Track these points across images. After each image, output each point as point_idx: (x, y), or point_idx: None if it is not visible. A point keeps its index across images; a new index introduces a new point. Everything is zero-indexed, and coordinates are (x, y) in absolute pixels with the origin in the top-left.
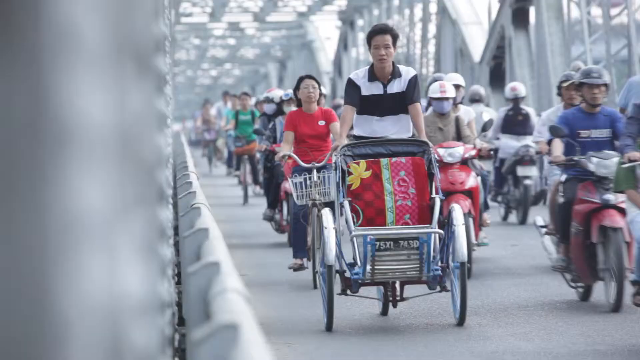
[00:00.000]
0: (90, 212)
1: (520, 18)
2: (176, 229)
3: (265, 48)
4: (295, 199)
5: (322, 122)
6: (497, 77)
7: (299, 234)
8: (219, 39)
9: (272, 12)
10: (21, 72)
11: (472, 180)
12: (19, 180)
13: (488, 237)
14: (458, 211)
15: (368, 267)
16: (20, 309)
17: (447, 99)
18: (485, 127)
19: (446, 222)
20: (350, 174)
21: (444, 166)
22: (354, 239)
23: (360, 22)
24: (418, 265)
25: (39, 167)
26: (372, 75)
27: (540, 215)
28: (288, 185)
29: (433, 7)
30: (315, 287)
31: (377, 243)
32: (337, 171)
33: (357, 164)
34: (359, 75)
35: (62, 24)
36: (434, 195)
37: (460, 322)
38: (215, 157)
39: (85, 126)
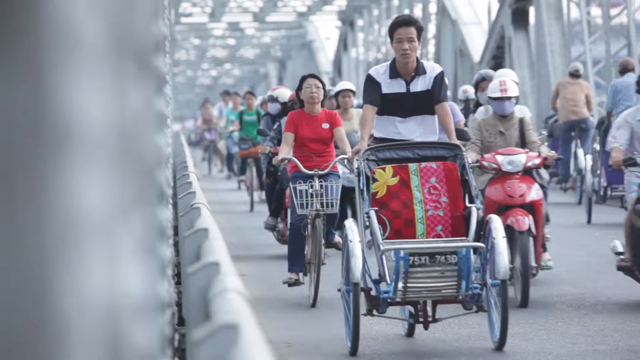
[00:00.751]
0: (90, 212)
1: (520, 18)
2: (176, 229)
3: (265, 48)
4: (296, 207)
5: (325, 125)
6: None
7: (297, 246)
8: (218, 39)
9: (272, 12)
10: (21, 72)
11: (534, 193)
12: (19, 180)
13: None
14: (497, 222)
15: (400, 285)
16: (20, 309)
17: (509, 98)
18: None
19: (483, 234)
20: (375, 180)
21: (503, 176)
22: (384, 253)
23: (360, 22)
24: (455, 283)
25: (39, 167)
26: (394, 72)
27: (619, 240)
28: None
29: (433, 7)
30: (313, 305)
31: (411, 258)
32: (361, 177)
33: (383, 169)
34: (379, 71)
35: (62, 24)
36: (468, 204)
37: (500, 346)
38: (217, 157)
39: (85, 126)
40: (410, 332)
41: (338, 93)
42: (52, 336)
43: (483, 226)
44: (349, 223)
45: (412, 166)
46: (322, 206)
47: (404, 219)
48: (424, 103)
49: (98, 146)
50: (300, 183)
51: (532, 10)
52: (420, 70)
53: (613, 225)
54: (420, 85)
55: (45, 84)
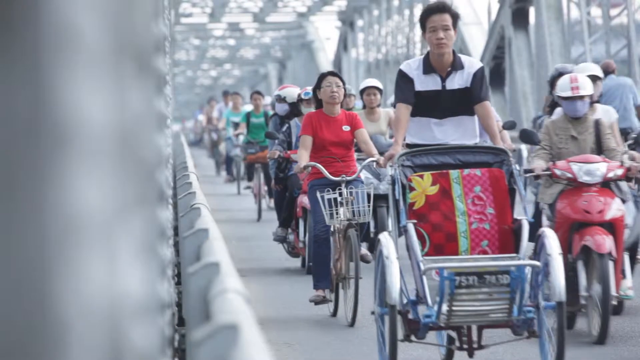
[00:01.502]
0: (90, 212)
1: (520, 18)
2: (176, 229)
3: (265, 48)
4: (326, 217)
5: (346, 128)
6: (497, 77)
7: (322, 260)
8: (218, 39)
9: (272, 13)
10: (21, 72)
11: (615, 209)
12: (19, 180)
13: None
14: (551, 237)
15: (444, 308)
16: (20, 309)
17: (581, 97)
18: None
19: (534, 250)
20: (412, 189)
21: (577, 188)
22: (425, 272)
23: (360, 23)
24: (506, 306)
25: (39, 167)
26: (428, 66)
27: None
28: (306, 200)
29: None
30: (352, 324)
31: (457, 278)
32: (397, 186)
33: (421, 177)
34: (412, 66)
35: (62, 24)
36: (518, 216)
37: None
38: (220, 160)
39: (85, 126)
40: (448, 359)
41: (362, 91)
42: (52, 336)
43: (535, 241)
44: (385, 237)
45: (454, 173)
46: (354, 215)
47: (445, 232)
48: (461, 102)
49: (98, 146)
50: (329, 191)
51: (532, 11)
52: (457, 65)
53: None
54: (457, 81)
55: (45, 84)
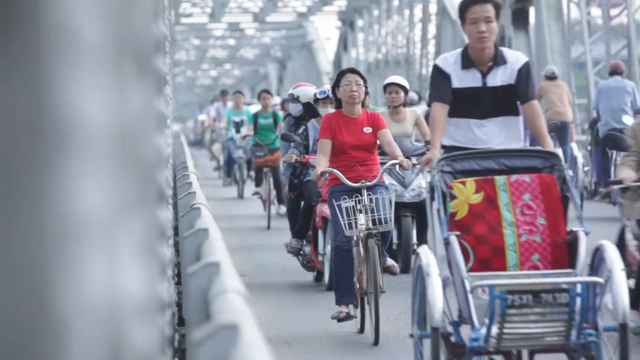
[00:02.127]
0: (90, 212)
1: (520, 18)
2: (176, 229)
3: (265, 48)
4: (344, 228)
5: (368, 130)
6: None
7: (345, 274)
8: (218, 39)
9: (272, 13)
10: (21, 72)
11: None
12: (19, 180)
13: None
14: (611, 251)
15: (494, 331)
16: (20, 309)
17: None
18: None
19: (591, 266)
20: (453, 197)
21: None
22: (473, 290)
23: (360, 23)
24: (563, 328)
25: (39, 167)
26: (467, 61)
27: None
28: (326, 209)
29: (433, 8)
30: (376, 343)
31: (509, 297)
32: (436, 194)
33: (463, 183)
34: (449, 60)
35: (62, 24)
36: (573, 227)
37: None
38: (215, 159)
39: (85, 126)
40: None
41: (385, 87)
42: (52, 336)
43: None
44: (424, 251)
45: (500, 180)
46: (375, 223)
47: (491, 246)
48: (504, 101)
49: (98, 146)
50: (345, 199)
51: (532, 11)
52: (499, 60)
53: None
54: (500, 78)
55: (45, 84)
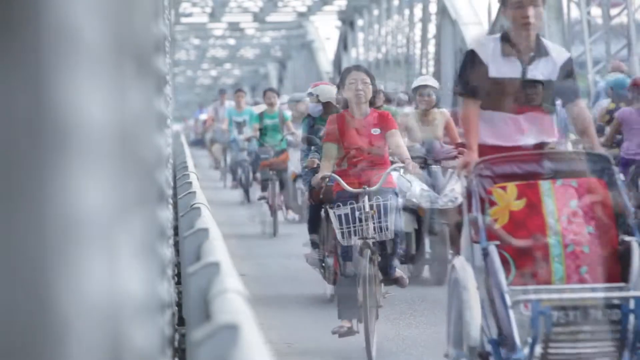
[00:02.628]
0: (90, 212)
1: None
2: (176, 229)
3: (265, 48)
4: (339, 237)
5: (376, 131)
6: None
7: (347, 286)
8: (218, 39)
9: (272, 12)
10: (21, 72)
11: None
12: (19, 180)
13: None
14: None
15: (538, 351)
16: (20, 309)
17: None
18: None
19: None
20: (492, 204)
21: None
22: (514, 305)
23: (360, 22)
24: (615, 349)
25: (39, 167)
26: (508, 47)
27: None
28: None
29: (433, 7)
30: (366, 347)
31: (555, 313)
32: (474, 200)
33: (503, 189)
34: (486, 45)
35: (62, 24)
36: (625, 237)
37: None
38: (215, 164)
39: (85, 126)
40: None
41: (415, 89)
42: (52, 336)
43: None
44: (460, 263)
45: (544, 185)
46: (376, 232)
47: (535, 257)
48: (543, 96)
49: (98, 146)
50: (339, 206)
51: None
52: (541, 50)
53: None
54: (541, 70)
55: (45, 84)
